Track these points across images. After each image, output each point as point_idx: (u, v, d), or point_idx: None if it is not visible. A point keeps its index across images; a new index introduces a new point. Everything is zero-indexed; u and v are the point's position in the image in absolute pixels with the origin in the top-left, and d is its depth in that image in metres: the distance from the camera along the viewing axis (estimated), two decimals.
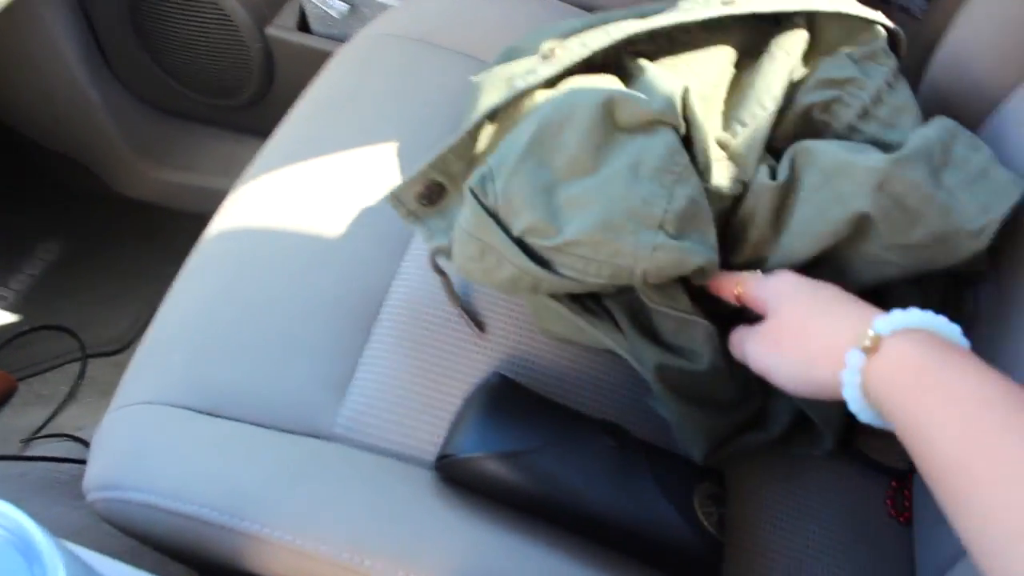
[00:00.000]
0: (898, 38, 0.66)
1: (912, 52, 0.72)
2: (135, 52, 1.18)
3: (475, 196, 0.57)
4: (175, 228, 1.20)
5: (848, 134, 0.61)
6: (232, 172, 1.24)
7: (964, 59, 0.74)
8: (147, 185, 1.25)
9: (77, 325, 1.10)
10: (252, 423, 0.59)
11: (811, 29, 0.65)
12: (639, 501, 0.54)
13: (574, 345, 0.63)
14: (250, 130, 1.23)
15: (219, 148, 1.25)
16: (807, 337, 0.47)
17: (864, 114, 0.61)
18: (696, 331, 0.56)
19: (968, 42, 0.74)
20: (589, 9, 0.90)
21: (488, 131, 0.64)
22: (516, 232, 0.55)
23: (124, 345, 1.10)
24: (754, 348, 0.51)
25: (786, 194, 0.58)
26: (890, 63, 0.63)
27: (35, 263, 1.20)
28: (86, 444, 0.92)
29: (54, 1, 1.10)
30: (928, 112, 0.63)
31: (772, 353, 0.49)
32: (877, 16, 0.64)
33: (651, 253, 0.52)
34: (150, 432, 0.59)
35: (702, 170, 0.58)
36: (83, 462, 0.86)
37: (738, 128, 0.61)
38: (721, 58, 0.64)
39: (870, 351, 0.42)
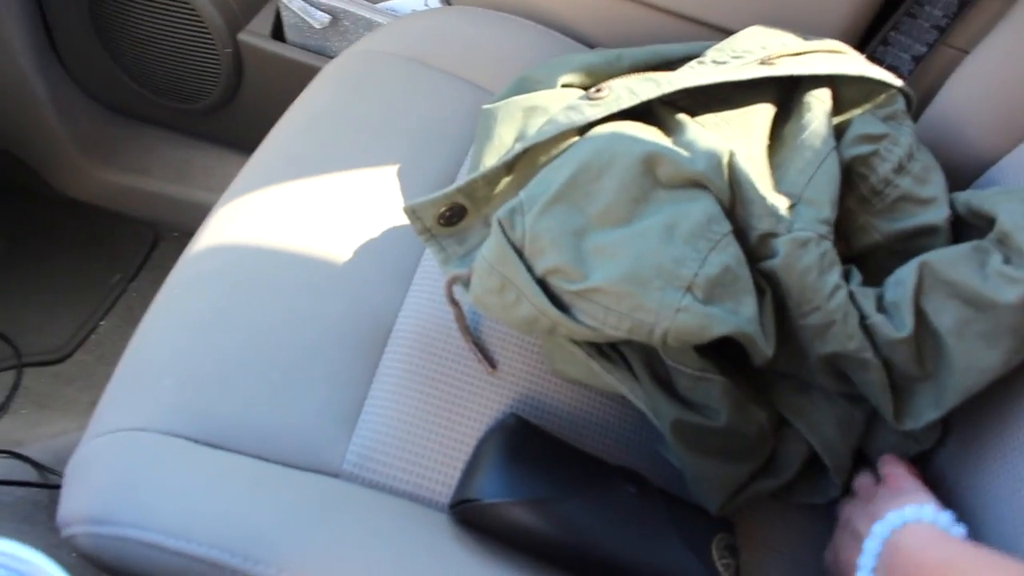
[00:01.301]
0: (911, 100, 0.68)
1: None
2: (89, 44, 1.11)
3: (502, 229, 0.55)
4: (121, 233, 1.15)
5: (884, 187, 0.63)
6: (185, 179, 1.20)
7: (954, 122, 0.77)
8: (93, 186, 1.18)
9: (12, 331, 1.03)
10: (255, 456, 0.56)
11: (830, 87, 0.67)
12: (660, 551, 0.54)
13: (587, 388, 0.63)
14: (208, 136, 1.18)
15: (173, 153, 1.19)
16: None
17: (899, 168, 0.63)
18: (713, 388, 0.56)
19: (959, 106, 0.77)
20: (583, 42, 0.90)
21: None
22: (539, 272, 0.54)
23: (65, 355, 1.04)
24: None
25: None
26: (909, 123, 0.66)
27: None
28: (29, 462, 0.86)
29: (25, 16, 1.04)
30: None
31: None
32: (894, 80, 0.67)
33: (674, 314, 0.52)
34: (144, 462, 0.55)
35: (756, 237, 0.57)
36: (35, 485, 0.80)
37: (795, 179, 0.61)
38: (763, 116, 0.65)
39: None
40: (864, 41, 0.89)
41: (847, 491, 0.63)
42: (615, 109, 0.62)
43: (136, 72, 1.13)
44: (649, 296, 0.52)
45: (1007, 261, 0.54)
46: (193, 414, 0.57)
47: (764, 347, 0.54)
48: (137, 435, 0.57)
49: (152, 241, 1.15)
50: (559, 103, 0.65)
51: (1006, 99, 0.74)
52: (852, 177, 0.64)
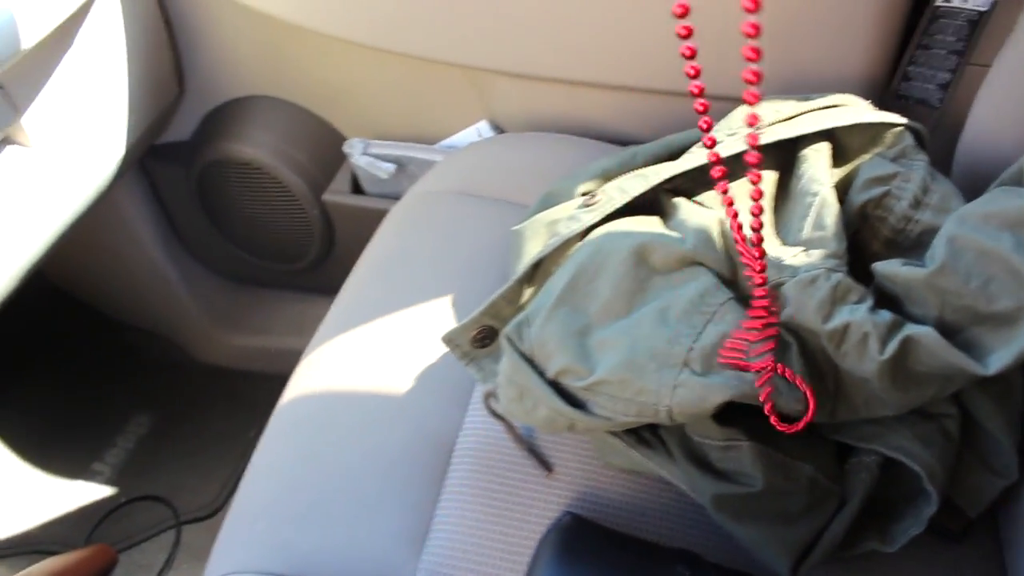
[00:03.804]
0: (921, 134, 0.68)
1: (938, 141, 0.74)
2: (204, 228, 1.27)
3: (511, 343, 0.60)
4: (254, 390, 1.27)
5: (905, 224, 0.63)
6: (304, 331, 1.31)
7: (989, 139, 0.76)
8: (225, 351, 1.32)
9: (170, 493, 1.15)
10: None
11: (831, 140, 0.68)
12: None
13: (641, 475, 0.65)
14: (316, 290, 1.30)
15: (289, 310, 1.32)
16: None
17: (916, 204, 0.63)
18: (742, 455, 0.56)
19: (990, 122, 0.76)
20: (618, 142, 0.95)
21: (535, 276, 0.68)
22: (550, 375, 0.58)
23: (215, 510, 1.15)
24: None
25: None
26: (922, 157, 0.66)
27: (127, 436, 1.26)
28: None
29: (132, 192, 1.20)
30: (965, 195, 0.64)
31: None
32: (895, 118, 0.67)
33: (672, 391, 0.53)
34: None
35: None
36: None
37: (798, 225, 0.61)
38: (765, 181, 0.66)
39: None
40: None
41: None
42: (608, 211, 0.65)
43: (244, 243, 1.27)
44: (647, 378, 0.54)
45: None
46: (279, 550, 0.63)
47: (792, 405, 0.54)
48: None
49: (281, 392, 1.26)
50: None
51: None
52: (871, 222, 0.64)
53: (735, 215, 0.54)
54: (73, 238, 1.00)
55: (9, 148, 0.87)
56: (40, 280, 0.96)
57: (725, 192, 0.52)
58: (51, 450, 1.21)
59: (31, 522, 1.14)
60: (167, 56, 1.10)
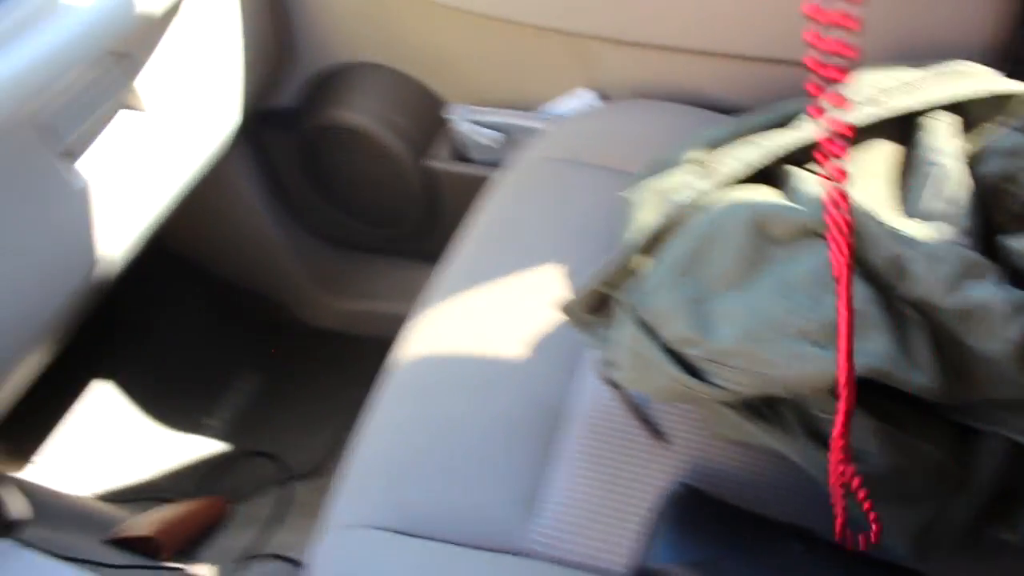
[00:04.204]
0: None
1: None
2: (309, 193, 1.30)
3: (629, 309, 0.60)
4: (358, 353, 1.29)
5: None
6: (405, 296, 1.34)
7: None
8: (330, 314, 1.36)
9: (277, 450, 1.20)
10: (449, 542, 0.63)
11: (955, 110, 0.66)
12: None
13: (754, 447, 0.64)
14: (419, 255, 1.31)
15: (390, 275, 1.35)
16: None
17: None
18: (863, 432, 0.55)
19: None
20: (726, 111, 0.93)
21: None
22: (668, 343, 0.58)
23: (322, 467, 1.18)
24: None
25: None
26: None
27: (237, 393, 1.31)
28: (295, 563, 0.99)
29: (239, 156, 1.23)
30: None
31: None
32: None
33: (792, 363, 0.53)
34: (360, 555, 0.64)
35: (887, 268, 0.56)
36: None
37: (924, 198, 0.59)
38: (882, 150, 0.65)
39: None
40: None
41: None
42: (722, 179, 0.64)
43: (347, 208, 1.30)
44: (766, 349, 0.53)
45: None
46: (395, 507, 0.66)
47: (916, 380, 0.53)
48: (354, 531, 0.66)
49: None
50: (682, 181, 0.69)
51: None
52: (999, 195, 0.62)
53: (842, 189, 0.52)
54: (185, 202, 1.03)
55: (124, 112, 0.90)
56: (154, 243, 1.00)
57: (837, 170, 0.50)
58: (166, 405, 1.27)
59: (148, 471, 1.21)
60: (275, 22, 1.12)
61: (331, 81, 1.20)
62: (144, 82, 0.91)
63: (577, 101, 1.07)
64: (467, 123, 1.09)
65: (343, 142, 1.19)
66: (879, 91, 0.67)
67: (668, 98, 0.99)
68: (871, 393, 0.56)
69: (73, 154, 0.83)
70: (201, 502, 1.12)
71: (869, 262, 0.57)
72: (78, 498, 1.11)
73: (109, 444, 1.21)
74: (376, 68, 1.18)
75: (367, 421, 0.75)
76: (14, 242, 0.78)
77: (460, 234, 0.89)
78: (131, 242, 0.93)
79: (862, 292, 0.55)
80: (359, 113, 1.16)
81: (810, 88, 0.47)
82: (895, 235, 0.57)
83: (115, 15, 0.84)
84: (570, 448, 0.67)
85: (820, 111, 0.49)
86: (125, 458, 1.20)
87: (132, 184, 0.91)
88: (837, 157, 0.50)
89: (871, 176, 0.63)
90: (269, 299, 1.38)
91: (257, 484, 1.19)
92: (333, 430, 1.20)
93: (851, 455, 0.51)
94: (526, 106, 1.13)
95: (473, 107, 1.13)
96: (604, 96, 1.06)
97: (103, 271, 0.89)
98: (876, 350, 0.53)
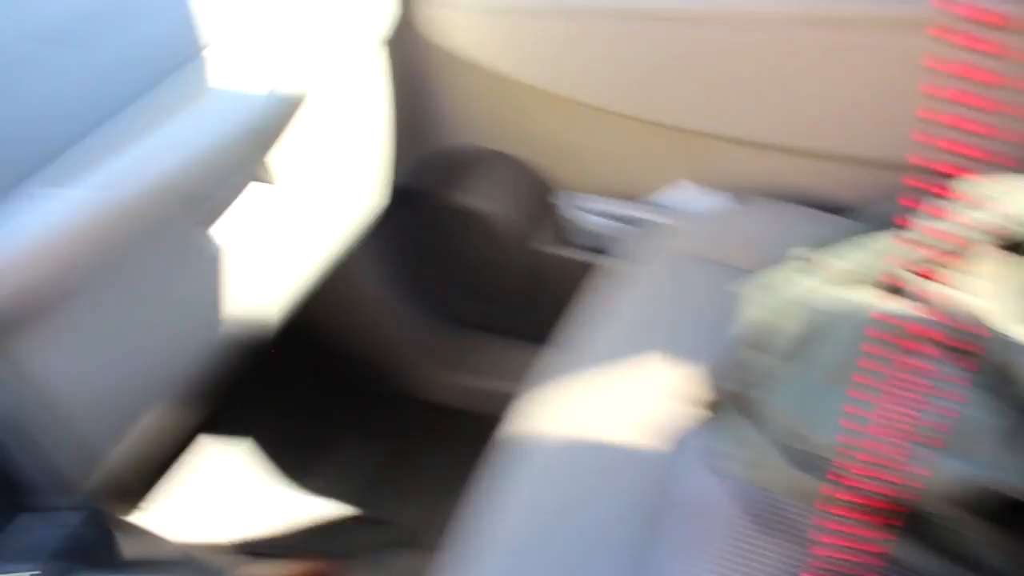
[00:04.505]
0: None
1: None
2: (425, 272, 1.37)
3: (739, 403, 0.62)
4: (462, 427, 1.35)
5: None
6: (505, 373, 1.40)
7: None
8: (438, 389, 1.43)
9: (383, 516, 1.24)
10: None
11: None
12: None
13: None
14: (519, 334, 1.37)
15: (501, 353, 1.41)
16: None
17: None
18: (977, 537, 0.54)
19: None
20: (838, 212, 0.95)
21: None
22: (781, 440, 0.60)
23: (425, 540, 1.21)
24: None
25: None
26: None
27: (344, 460, 1.38)
28: None
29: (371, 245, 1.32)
30: None
31: None
32: None
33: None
34: None
35: (995, 372, 0.57)
36: None
37: None
38: (1001, 259, 0.66)
39: None
40: None
41: None
42: (835, 278, 0.66)
43: (454, 285, 1.38)
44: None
45: None
46: None
47: None
48: None
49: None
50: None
51: None
52: None
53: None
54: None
55: (255, 185, 0.94)
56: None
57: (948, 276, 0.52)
58: (277, 464, 1.34)
59: (256, 527, 1.26)
60: (417, 105, 1.19)
61: (447, 162, 1.27)
62: (276, 157, 0.95)
63: (681, 194, 1.11)
64: (579, 210, 1.14)
65: (460, 222, 1.26)
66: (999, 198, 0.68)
67: (769, 193, 1.02)
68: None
69: (207, 222, 0.88)
70: (309, 565, 1.16)
71: (982, 368, 0.58)
72: (189, 545, 1.16)
73: (219, 496, 1.28)
74: (492, 152, 1.24)
75: (484, 497, 0.78)
76: (155, 304, 0.83)
77: (572, 317, 0.92)
78: (274, 308, 0.99)
79: (973, 398, 0.56)
80: (476, 196, 1.24)
81: (926, 191, 0.49)
82: (1002, 340, 0.58)
83: (262, 103, 0.89)
84: (675, 537, 0.68)
85: (935, 214, 0.51)
86: (233, 512, 1.27)
87: (266, 255, 0.96)
88: (953, 262, 0.52)
89: (990, 280, 0.64)
90: (375, 367, 1.45)
91: (360, 550, 1.22)
92: (439, 502, 1.24)
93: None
94: (631, 195, 1.17)
95: (582, 194, 1.18)
96: (707, 189, 1.10)
97: (243, 334, 0.94)
98: (989, 458, 0.54)
